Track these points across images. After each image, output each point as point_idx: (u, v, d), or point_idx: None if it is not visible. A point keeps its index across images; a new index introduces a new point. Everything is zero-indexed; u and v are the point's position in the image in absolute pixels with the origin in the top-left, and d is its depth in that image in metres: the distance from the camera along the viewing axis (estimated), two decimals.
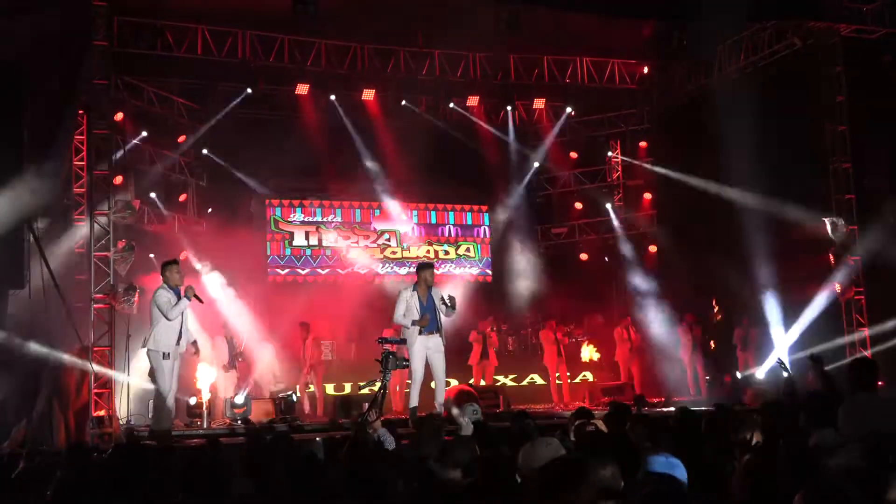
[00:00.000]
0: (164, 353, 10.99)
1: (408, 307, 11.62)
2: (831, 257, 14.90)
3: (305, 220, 18.78)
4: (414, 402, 11.67)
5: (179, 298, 10.96)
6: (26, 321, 13.06)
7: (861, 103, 14.78)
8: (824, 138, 15.03)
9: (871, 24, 14.83)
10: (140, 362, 13.25)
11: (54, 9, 12.89)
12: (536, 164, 19.89)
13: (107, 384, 13.02)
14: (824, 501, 3.11)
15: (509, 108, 18.93)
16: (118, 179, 14.20)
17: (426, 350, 11.62)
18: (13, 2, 12.59)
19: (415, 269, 12.71)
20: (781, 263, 15.33)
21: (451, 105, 18.37)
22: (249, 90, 16.63)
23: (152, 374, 11.32)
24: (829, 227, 14.85)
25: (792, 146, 15.05)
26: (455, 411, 8.92)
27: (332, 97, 17.28)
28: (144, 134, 16.07)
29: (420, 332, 11.54)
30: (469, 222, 20.04)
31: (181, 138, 16.79)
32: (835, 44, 14.96)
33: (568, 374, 16.40)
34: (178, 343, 11.12)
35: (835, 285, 14.93)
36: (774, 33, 15.69)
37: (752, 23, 15.72)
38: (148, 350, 11.21)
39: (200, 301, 11.48)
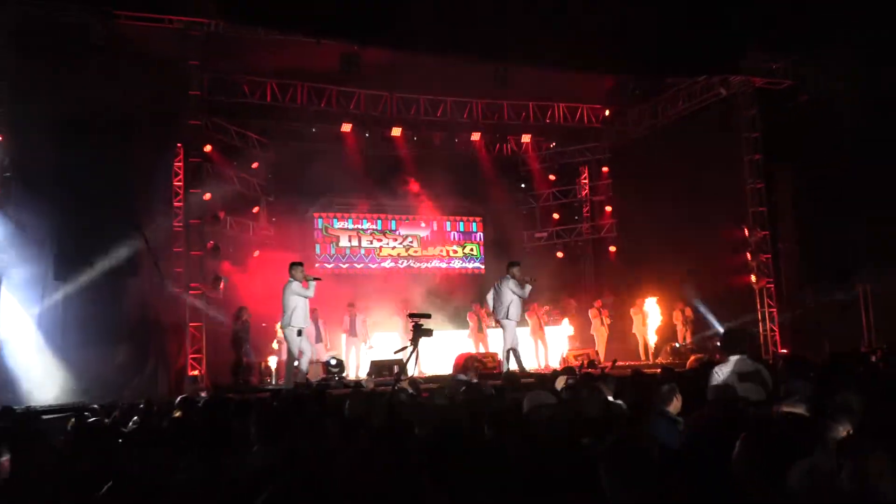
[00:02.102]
0: (297, 330, 11.17)
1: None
2: (748, 255, 15.04)
3: (347, 227, 18.90)
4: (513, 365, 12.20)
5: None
6: (138, 302, 13.30)
7: (771, 137, 14.92)
8: (742, 164, 15.17)
9: (779, 77, 14.97)
10: None
11: (161, 67, 13.06)
12: (523, 185, 20.04)
13: (199, 350, 13.23)
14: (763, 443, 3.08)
15: (502, 142, 19.05)
16: (207, 196, 14.24)
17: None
18: (132, 60, 12.75)
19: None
20: (709, 260, 15.52)
21: (456, 140, 18.49)
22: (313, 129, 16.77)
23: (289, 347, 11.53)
24: (747, 233, 15.04)
25: (717, 171, 15.20)
26: None
27: (367, 134, 17.43)
28: (230, 162, 16.18)
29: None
30: (473, 229, 20.13)
31: (254, 165, 16.81)
32: (751, 92, 15.09)
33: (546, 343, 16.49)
34: (305, 322, 11.32)
35: (751, 276, 15.08)
36: (705, 85, 15.84)
37: (690, 76, 15.89)
38: (286, 328, 11.37)
39: (319, 279, 11.71)
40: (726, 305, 15.18)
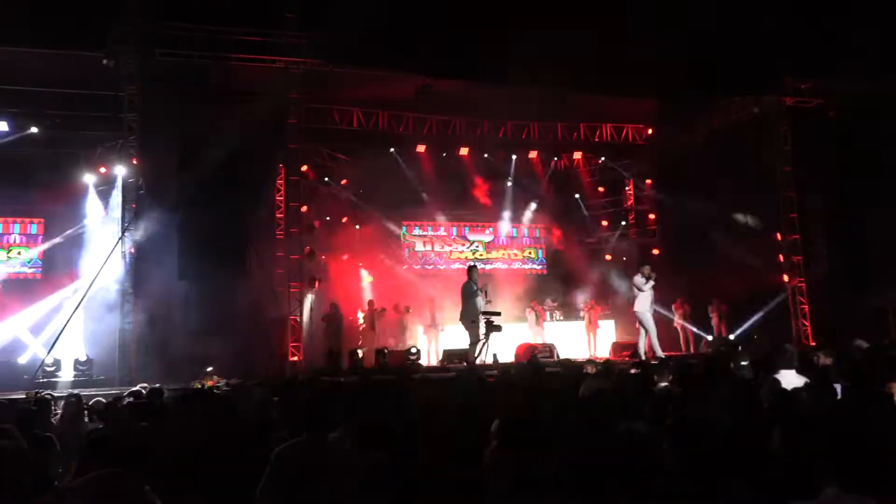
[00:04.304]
0: (471, 321, 10.98)
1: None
2: (780, 257, 14.51)
3: (423, 234, 19.01)
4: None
5: (477, 288, 11.06)
6: (248, 299, 13.64)
7: (802, 150, 14.37)
8: (775, 175, 14.63)
9: (808, 97, 14.42)
10: None
11: (266, 100, 13.37)
12: (576, 195, 19.76)
13: (298, 339, 13.44)
14: None
15: (556, 158, 18.78)
16: (304, 208, 14.46)
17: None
18: (242, 95, 13.09)
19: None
20: (743, 261, 14.95)
21: (514, 157, 18.24)
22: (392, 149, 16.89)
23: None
24: (779, 237, 14.53)
25: (751, 181, 14.69)
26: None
27: (440, 153, 17.51)
28: (323, 179, 16.44)
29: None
30: (537, 235, 20.01)
31: (343, 181, 16.97)
32: (783, 110, 14.57)
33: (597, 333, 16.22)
34: (480, 314, 10.94)
35: (784, 276, 14.55)
36: (739, 104, 15.35)
37: (725, 97, 15.40)
38: (461, 319, 11.21)
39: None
40: (759, 302, 14.63)
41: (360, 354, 14.51)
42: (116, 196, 13.46)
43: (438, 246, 18.94)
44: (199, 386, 8.37)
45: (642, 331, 12.20)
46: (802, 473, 2.58)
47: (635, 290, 12.19)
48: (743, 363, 6.20)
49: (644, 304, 12.04)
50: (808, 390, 4.09)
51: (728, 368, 6.03)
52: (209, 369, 11.35)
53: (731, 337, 14.81)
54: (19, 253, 15.24)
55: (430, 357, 15.05)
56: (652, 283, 12.03)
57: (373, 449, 3.07)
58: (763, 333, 14.04)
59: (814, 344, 13.65)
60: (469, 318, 11.06)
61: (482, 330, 10.31)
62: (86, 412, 6.18)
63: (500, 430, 2.77)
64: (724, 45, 12.91)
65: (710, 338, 15.30)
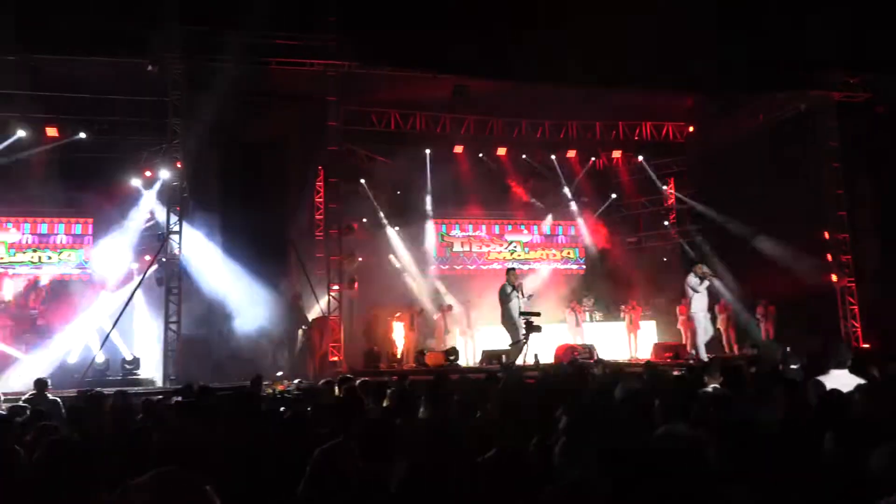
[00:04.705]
0: (511, 323, 10.96)
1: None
2: (829, 256, 14.12)
3: (461, 234, 19.03)
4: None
5: (514, 289, 11.10)
6: (289, 298, 13.82)
7: (849, 146, 13.98)
8: (823, 172, 14.24)
9: (856, 91, 14.01)
10: None
11: (305, 103, 13.55)
12: (614, 195, 19.53)
13: (338, 339, 13.51)
14: None
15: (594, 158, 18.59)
16: (343, 210, 14.57)
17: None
18: (281, 98, 13.29)
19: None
20: (789, 262, 14.58)
21: (553, 156, 18.12)
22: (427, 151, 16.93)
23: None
24: (827, 236, 14.13)
25: (795, 179, 14.32)
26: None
27: (477, 154, 17.45)
28: (360, 181, 16.53)
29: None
30: (572, 232, 19.84)
31: (381, 182, 16.83)
32: (831, 105, 14.19)
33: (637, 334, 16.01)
34: (519, 315, 10.77)
35: (832, 276, 14.14)
36: (784, 99, 14.99)
37: (770, 92, 15.02)
38: (502, 322, 11.29)
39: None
40: (807, 304, 14.24)
41: (399, 355, 14.62)
42: (161, 199, 13.78)
43: (476, 246, 18.92)
44: (270, 391, 8.38)
45: (700, 331, 11.98)
46: (857, 480, 2.50)
47: (689, 290, 11.97)
48: (793, 366, 6.04)
49: (699, 305, 11.82)
50: (863, 392, 3.95)
51: (777, 370, 5.90)
52: (279, 374, 11.53)
53: (777, 339, 14.47)
54: (69, 255, 15.74)
55: (467, 358, 15.05)
56: (707, 283, 11.81)
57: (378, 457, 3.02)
58: (811, 335, 13.66)
59: (866, 346, 13.28)
60: (509, 320, 11.04)
61: (522, 331, 10.27)
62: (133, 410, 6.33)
63: (566, 427, 2.77)
64: (770, 40, 12.64)
65: (756, 339, 14.97)
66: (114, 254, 14.39)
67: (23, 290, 13.95)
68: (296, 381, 10.14)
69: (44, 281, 14.51)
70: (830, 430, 2.85)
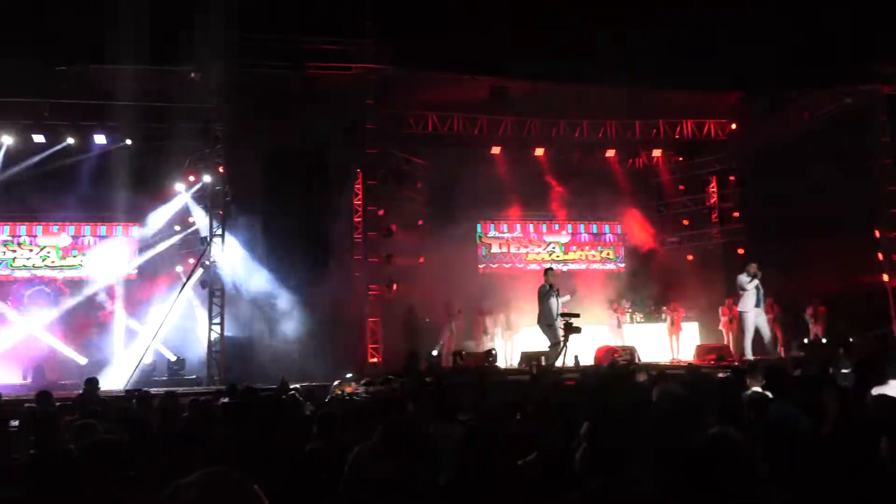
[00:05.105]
0: (547, 324, 10.97)
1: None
2: (880, 255, 13.68)
3: (499, 235, 18.96)
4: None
5: (550, 288, 11.07)
6: (328, 301, 13.96)
7: None
8: (874, 168, 13.80)
9: None
10: None
11: (343, 107, 13.69)
12: (657, 194, 19.14)
13: (377, 341, 13.58)
14: None
15: (634, 157, 18.28)
16: (381, 212, 14.71)
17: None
18: (320, 102, 13.45)
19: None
20: (837, 261, 14.13)
21: (591, 156, 17.85)
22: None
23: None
24: (878, 234, 13.69)
25: (843, 176, 13.86)
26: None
27: (515, 155, 17.28)
28: (398, 182, 16.36)
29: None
30: (609, 233, 19.63)
31: (419, 184, 16.94)
32: (881, 99, 13.74)
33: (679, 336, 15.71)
34: (556, 317, 10.73)
35: (883, 275, 13.70)
36: (830, 95, 14.57)
37: (819, 87, 14.61)
38: (538, 323, 11.26)
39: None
40: (859, 304, 13.81)
41: (437, 356, 14.63)
42: (204, 203, 14.06)
43: (514, 247, 18.82)
44: (339, 392, 8.42)
45: (747, 331, 11.75)
46: None
47: (739, 289, 11.77)
48: (844, 370, 5.85)
49: (747, 303, 11.60)
50: None
51: (827, 373, 5.73)
52: (348, 375, 11.62)
53: (827, 340, 14.05)
54: (114, 258, 16.12)
55: (506, 359, 15.00)
56: (756, 281, 11.59)
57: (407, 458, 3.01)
58: (861, 337, 13.24)
59: None
60: (545, 321, 10.94)
61: (560, 332, 10.16)
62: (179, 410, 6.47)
63: (588, 433, 2.74)
64: (815, 33, 12.33)
65: (805, 340, 14.56)
66: (158, 258, 14.73)
67: (82, 294, 14.31)
68: (363, 383, 10.21)
69: (97, 285, 14.88)
70: (886, 435, 2.76)
